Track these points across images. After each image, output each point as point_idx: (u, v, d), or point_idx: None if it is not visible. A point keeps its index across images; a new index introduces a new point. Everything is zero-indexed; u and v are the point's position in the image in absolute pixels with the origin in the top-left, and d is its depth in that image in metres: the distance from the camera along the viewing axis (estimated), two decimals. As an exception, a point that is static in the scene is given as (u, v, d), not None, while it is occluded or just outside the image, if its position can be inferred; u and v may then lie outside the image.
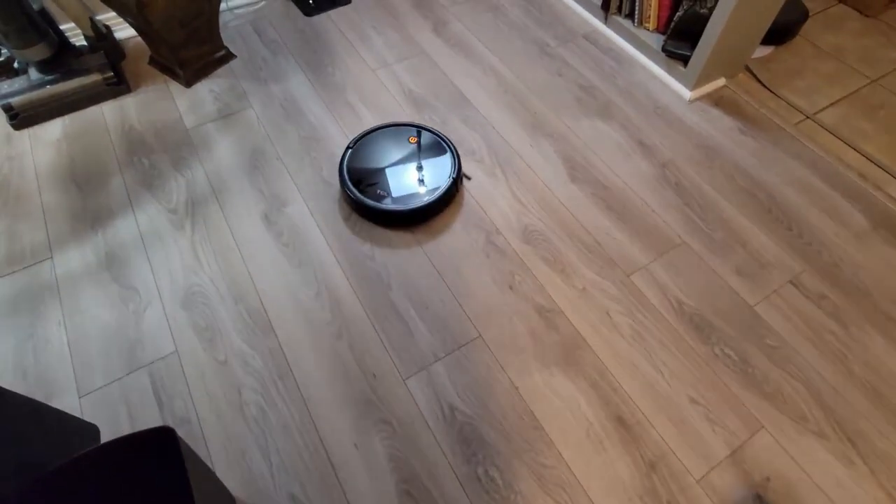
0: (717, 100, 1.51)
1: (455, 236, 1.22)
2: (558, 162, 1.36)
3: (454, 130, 1.42)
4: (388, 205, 1.20)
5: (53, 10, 1.46)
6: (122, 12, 1.33)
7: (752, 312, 1.12)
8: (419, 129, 1.34)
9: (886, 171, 1.36)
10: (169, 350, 1.05)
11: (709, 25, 1.35)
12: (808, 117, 1.48)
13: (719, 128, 1.44)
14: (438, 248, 1.20)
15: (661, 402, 1.01)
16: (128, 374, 1.02)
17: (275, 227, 1.22)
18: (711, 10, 1.34)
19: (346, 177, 1.23)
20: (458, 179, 1.25)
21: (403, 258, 1.18)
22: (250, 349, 1.05)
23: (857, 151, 1.40)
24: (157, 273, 1.15)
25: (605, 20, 1.67)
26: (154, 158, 1.34)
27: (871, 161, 1.38)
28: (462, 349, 1.06)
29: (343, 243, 1.20)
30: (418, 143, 1.32)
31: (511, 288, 1.14)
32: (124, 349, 1.05)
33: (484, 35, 1.67)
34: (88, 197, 1.26)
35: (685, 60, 1.48)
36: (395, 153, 1.30)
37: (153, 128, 1.40)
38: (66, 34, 1.52)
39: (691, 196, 1.30)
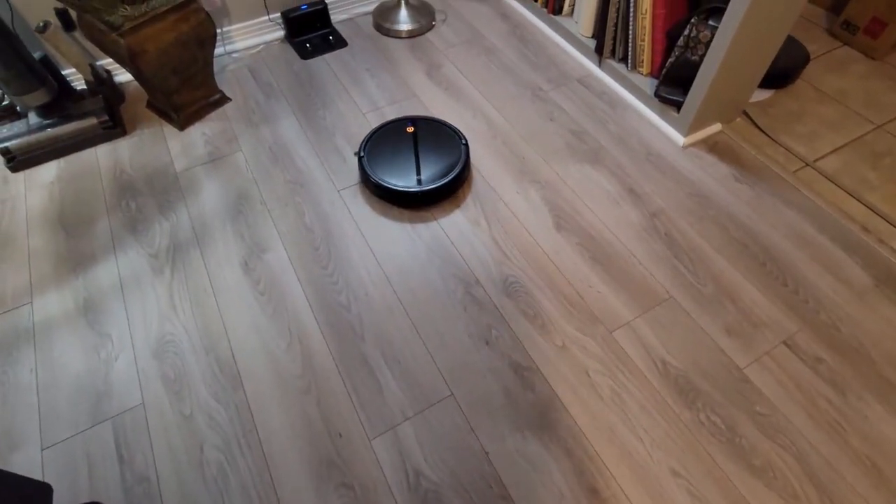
0: (712, 146, 1.47)
1: (432, 286, 1.19)
2: (544, 210, 1.33)
3: (440, 176, 1.40)
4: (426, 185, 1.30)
5: (55, 56, 1.51)
6: (118, 61, 1.37)
7: (742, 376, 1.06)
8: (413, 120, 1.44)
9: (891, 224, 1.29)
10: (135, 402, 1.04)
11: (700, 73, 1.32)
12: (807, 164, 1.42)
13: (714, 175, 1.40)
14: (415, 299, 1.17)
15: (639, 473, 0.95)
16: (92, 427, 1.01)
17: (253, 274, 1.21)
18: (702, 57, 1.32)
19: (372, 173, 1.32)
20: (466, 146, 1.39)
21: (379, 309, 1.16)
22: (217, 403, 1.03)
23: (860, 202, 1.34)
24: (133, 320, 1.15)
25: (600, 64, 1.66)
26: (141, 202, 1.35)
27: (875, 212, 1.32)
28: (432, 408, 1.02)
29: (319, 293, 1.18)
30: (414, 133, 1.42)
31: (487, 343, 1.11)
32: (91, 399, 1.04)
33: (476, 78, 1.67)
34: (74, 241, 1.28)
35: (678, 106, 1.45)
36: (405, 144, 1.39)
37: (144, 171, 1.42)
38: (69, 78, 1.57)
39: (681, 248, 1.25)
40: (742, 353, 1.09)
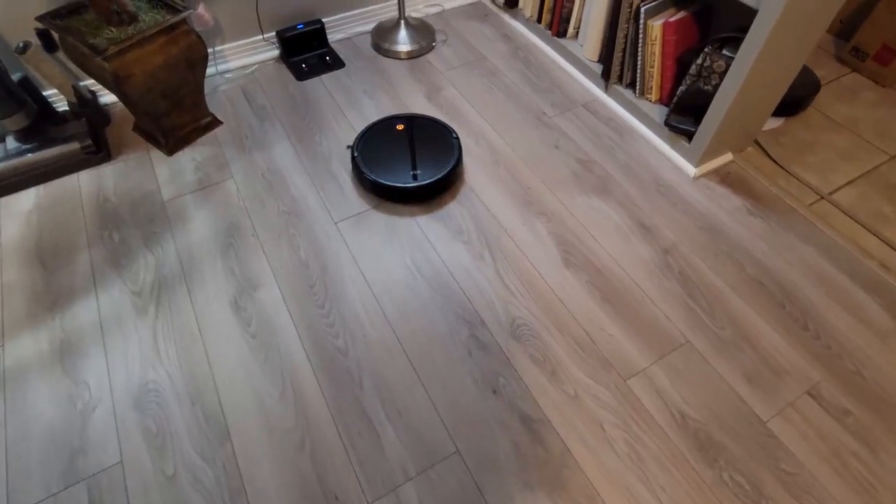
0: (723, 176, 1.42)
1: (435, 327, 1.12)
2: (551, 244, 1.27)
3: (441, 205, 1.34)
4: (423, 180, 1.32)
5: (36, 76, 1.44)
6: (102, 84, 1.29)
7: (765, 429, 0.99)
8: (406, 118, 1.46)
9: (911, 262, 1.25)
10: (113, 460, 0.95)
11: (714, 103, 1.28)
12: (822, 197, 1.38)
13: (726, 208, 1.34)
14: (417, 341, 1.10)
15: (660, 540, 0.88)
16: (65, 489, 0.92)
17: (243, 314, 1.14)
18: (716, 87, 1.27)
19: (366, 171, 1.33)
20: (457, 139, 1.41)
21: (378, 353, 1.08)
22: (202, 461, 0.95)
23: (878, 237, 1.29)
24: (112, 365, 1.06)
25: (606, 89, 1.61)
26: (125, 233, 1.28)
27: (893, 248, 1.27)
28: (436, 467, 0.95)
29: (315, 335, 1.11)
30: (409, 130, 1.43)
31: (495, 392, 1.04)
32: (65, 457, 0.96)
33: (478, 102, 1.62)
34: (52, 275, 1.20)
35: (689, 136, 1.40)
36: (400, 141, 1.41)
37: (129, 199, 1.35)
38: (50, 99, 1.50)
39: (696, 287, 1.19)
40: (764, 403, 1.03)
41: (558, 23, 1.71)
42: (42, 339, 1.10)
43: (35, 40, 1.31)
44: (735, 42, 1.25)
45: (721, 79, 1.25)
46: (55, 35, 1.30)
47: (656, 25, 1.38)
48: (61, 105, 1.53)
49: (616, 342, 1.11)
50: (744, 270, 1.22)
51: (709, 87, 1.29)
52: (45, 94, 1.47)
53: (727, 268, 1.23)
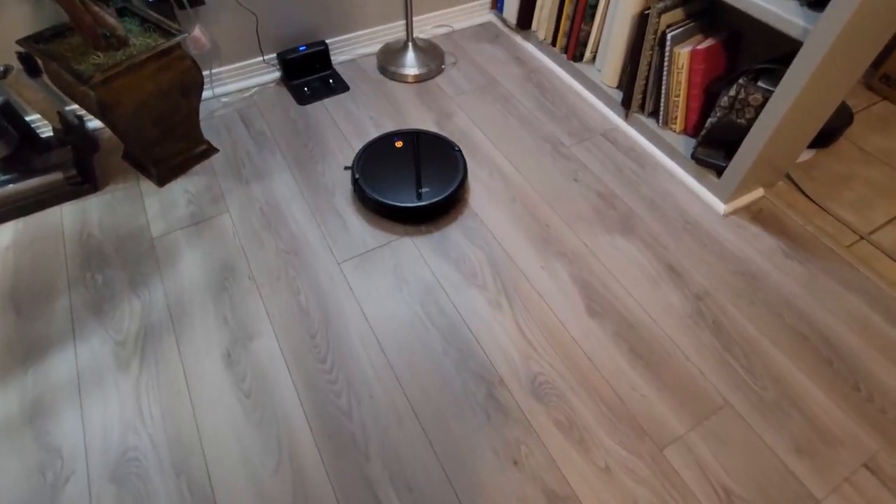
0: (755, 213, 1.32)
1: (449, 386, 1.01)
2: (573, 290, 1.17)
3: (454, 245, 1.24)
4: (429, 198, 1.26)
5: (18, 101, 1.34)
6: (89, 111, 1.20)
7: (820, 510, 0.89)
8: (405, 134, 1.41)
9: (964, 312, 1.15)
10: (85, 544, 0.84)
11: (749, 138, 1.18)
12: (862, 238, 1.28)
13: (760, 249, 1.25)
14: (429, 403, 0.99)
15: None
16: (28, 580, 0.81)
17: (237, 369, 1.03)
18: (750, 121, 1.18)
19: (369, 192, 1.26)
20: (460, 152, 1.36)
21: (386, 416, 0.98)
22: (186, 546, 0.84)
23: (926, 283, 1.20)
24: (89, 429, 0.95)
25: (626, 117, 1.52)
26: (109, 274, 1.17)
27: (944, 296, 1.17)
28: (452, 554, 0.84)
29: (315, 394, 1.00)
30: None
31: (516, 464, 0.93)
32: (31, 540, 0.84)
33: (491, 130, 1.52)
34: (26, 323, 1.09)
35: (718, 170, 1.31)
36: (400, 158, 1.35)
37: (115, 235, 1.24)
38: (34, 124, 1.40)
39: (733, 339, 1.09)
40: (816, 477, 0.92)
41: (574, 46, 1.63)
42: (11, 398, 0.99)
43: (17, 64, 1.22)
44: (771, 73, 1.16)
45: (757, 112, 1.16)
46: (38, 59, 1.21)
47: (683, 53, 1.29)
48: (46, 131, 1.43)
49: (649, 404, 1.00)
50: (783, 320, 1.12)
51: (742, 121, 1.20)
52: (28, 119, 1.37)
53: (765, 317, 1.13)
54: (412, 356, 1.05)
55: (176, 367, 1.03)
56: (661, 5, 1.29)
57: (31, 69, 1.23)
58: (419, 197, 1.25)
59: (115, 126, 1.15)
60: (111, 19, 1.11)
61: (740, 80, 1.17)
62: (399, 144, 1.37)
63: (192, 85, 1.25)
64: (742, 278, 1.19)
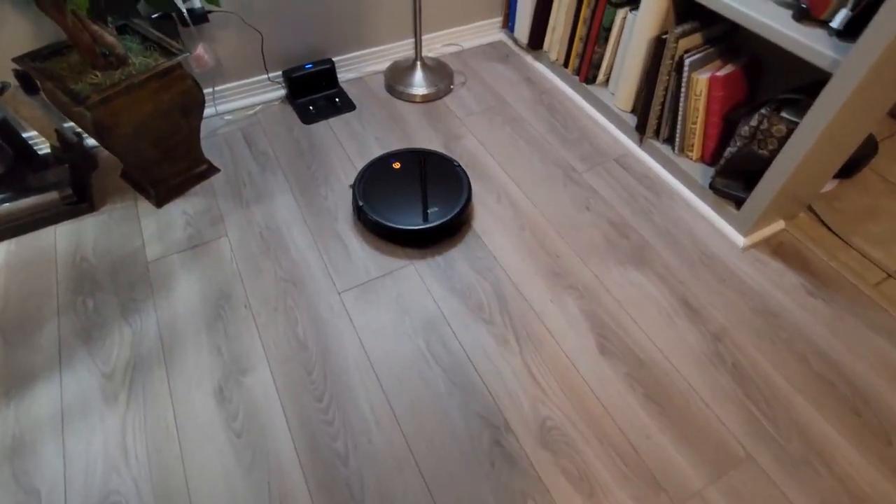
0: (775, 247, 1.26)
1: (452, 430, 0.96)
2: (585, 327, 1.11)
3: (459, 275, 1.19)
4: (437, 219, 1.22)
5: (15, 118, 1.31)
6: (85, 131, 1.16)
7: (852, 580, 0.82)
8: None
9: None
10: None
11: (771, 170, 1.13)
12: (889, 276, 1.22)
13: (782, 286, 1.19)
14: (431, 449, 0.93)
15: None
16: None
17: (228, 407, 0.98)
18: (773, 152, 1.13)
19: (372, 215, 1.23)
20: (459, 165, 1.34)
21: (384, 463, 0.92)
22: None
23: (959, 327, 1.13)
24: (71, 469, 0.90)
25: (640, 143, 1.47)
26: (101, 300, 1.13)
27: (979, 341, 1.11)
28: None
29: (310, 436, 0.95)
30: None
31: (522, 519, 0.87)
32: (2, 592, 0.79)
33: (501, 153, 1.48)
34: (13, 351, 1.04)
35: (737, 202, 1.25)
36: (404, 178, 1.32)
37: (109, 259, 1.20)
38: (31, 141, 1.37)
39: (753, 384, 1.03)
40: (847, 542, 0.85)
41: (587, 68, 1.58)
42: (-8, 432, 0.94)
43: (13, 81, 1.19)
44: (795, 104, 1.11)
45: (780, 144, 1.11)
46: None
47: (702, 79, 1.24)
48: (44, 147, 1.40)
49: (664, 454, 0.94)
50: (808, 364, 1.06)
51: (764, 152, 1.15)
52: (25, 135, 1.34)
53: (789, 361, 1.06)
54: (414, 397, 1.00)
55: (165, 403, 0.98)
56: (678, 30, 1.25)
57: (29, 86, 1.20)
58: (426, 218, 1.21)
59: (112, 147, 1.12)
60: (110, 38, 1.08)
61: (762, 110, 1.12)
62: (397, 166, 1.33)
63: (192, 105, 1.21)
64: (763, 317, 1.13)
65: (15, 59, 1.10)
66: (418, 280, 1.18)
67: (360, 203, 1.23)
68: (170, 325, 1.09)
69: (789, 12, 1.05)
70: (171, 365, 1.03)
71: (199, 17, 1.33)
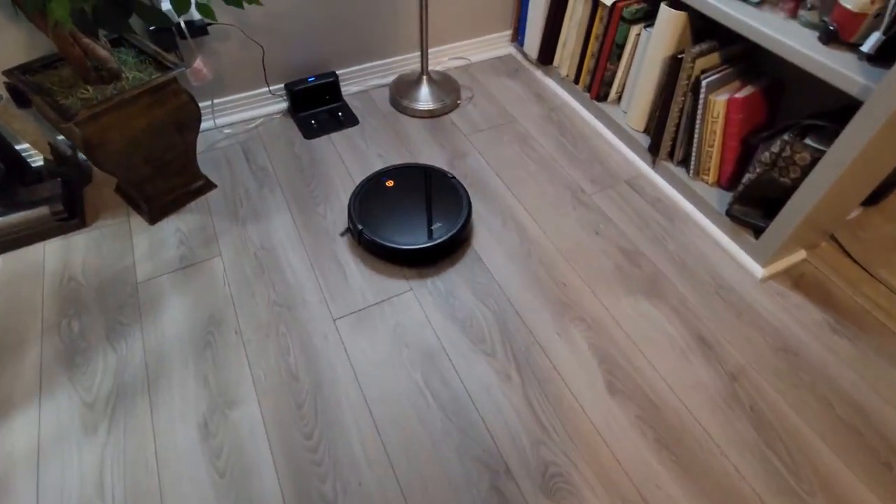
0: (796, 279, 1.20)
1: (448, 474, 0.90)
2: (593, 363, 1.05)
3: (461, 303, 1.13)
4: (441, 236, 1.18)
5: (8, 130, 1.28)
6: (76, 146, 1.12)
7: None
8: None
9: None
10: None
11: (794, 200, 1.06)
12: (919, 312, 1.15)
13: (804, 322, 1.12)
14: (425, 493, 0.87)
15: None
16: None
17: (213, 442, 0.92)
18: (795, 181, 1.06)
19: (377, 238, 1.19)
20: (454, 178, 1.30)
21: (375, 507, 0.86)
22: None
23: None
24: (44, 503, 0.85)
25: (653, 164, 1.41)
26: (87, 322, 1.08)
27: None
28: None
29: (298, 476, 0.89)
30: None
31: (521, 576, 0.80)
32: None
33: (507, 173, 1.42)
34: (-8, 375, 1.00)
35: (756, 230, 1.19)
36: (399, 195, 1.27)
37: (97, 279, 1.16)
38: (25, 153, 1.33)
39: (773, 429, 0.96)
40: None
41: (599, 86, 1.53)
42: (-36, 464, 0.90)
43: (5, 94, 1.15)
44: (820, 131, 1.05)
45: (803, 172, 1.04)
46: (28, 89, 1.14)
47: (719, 101, 1.18)
48: (38, 160, 1.36)
49: (676, 507, 0.87)
50: (833, 410, 0.99)
51: (786, 180, 1.08)
52: (18, 147, 1.31)
53: (811, 405, 0.99)
54: (409, 436, 0.94)
55: (146, 436, 0.93)
56: (695, 50, 1.19)
57: (21, 99, 1.16)
58: (429, 235, 1.17)
59: (102, 165, 1.07)
60: (102, 51, 1.04)
61: (785, 136, 1.06)
62: (390, 184, 1.29)
63: (188, 121, 1.17)
64: (783, 356, 1.06)
65: (5, 72, 1.06)
66: (417, 307, 1.12)
67: (359, 226, 1.18)
68: (156, 351, 1.04)
69: (815, 34, 0.99)
70: (156, 395, 0.98)
71: (199, 29, 1.29)
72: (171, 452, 0.91)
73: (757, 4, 1.07)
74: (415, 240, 1.17)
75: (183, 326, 1.08)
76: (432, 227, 1.18)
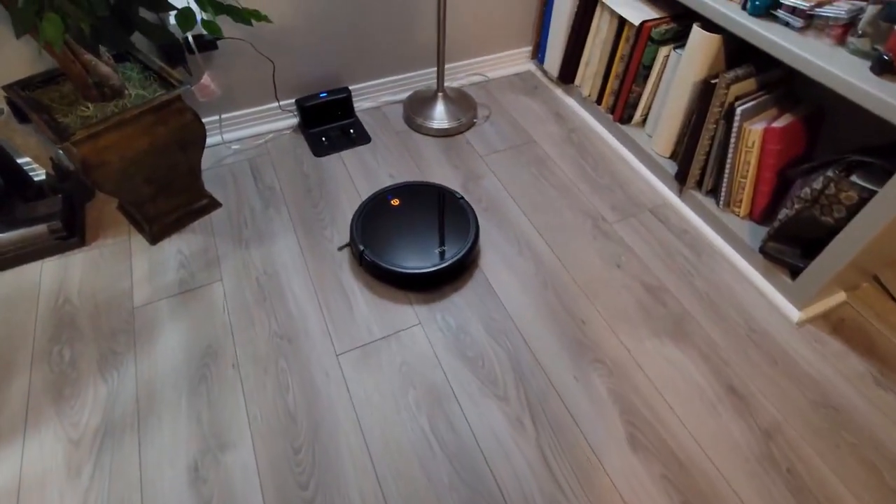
0: (836, 324, 1.11)
1: (455, 534, 0.82)
2: (614, 412, 0.97)
3: (472, 340, 1.06)
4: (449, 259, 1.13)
5: (9, 143, 1.24)
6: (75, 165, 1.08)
7: None
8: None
9: None
10: None
11: (838, 241, 0.98)
12: (973, 366, 1.05)
13: (845, 373, 1.03)
14: (428, 556, 0.80)
15: None
16: None
17: (202, 490, 0.86)
18: (840, 221, 0.98)
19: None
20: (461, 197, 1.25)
21: (374, 570, 0.79)
22: None
23: None
24: (20, 556, 0.80)
25: (680, 193, 1.33)
26: (79, 350, 1.03)
27: None
28: None
29: (291, 530, 0.82)
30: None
31: None
32: None
33: (524, 198, 1.35)
34: (-23, 405, 0.95)
35: (793, 270, 1.10)
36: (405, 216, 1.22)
37: (93, 301, 1.11)
38: (26, 167, 1.30)
39: (813, 497, 0.87)
40: None
41: (622, 107, 1.45)
42: (-60, 504, 0.84)
43: (6, 107, 1.11)
44: (868, 168, 0.96)
45: (849, 213, 0.96)
46: (29, 104, 1.10)
47: (755, 130, 1.11)
48: (41, 173, 1.32)
49: (705, 584, 0.79)
50: (880, 477, 0.89)
51: (828, 219, 1.00)
52: (20, 161, 1.27)
53: (855, 470, 0.90)
54: (413, 490, 0.87)
55: (132, 481, 0.87)
56: (730, 75, 1.11)
57: (22, 114, 1.12)
58: (441, 256, 1.12)
59: (101, 185, 1.03)
60: (104, 68, 0.99)
61: (829, 173, 0.97)
62: (395, 202, 1.23)
63: (192, 140, 1.12)
64: (823, 412, 0.97)
65: (4, 87, 1.02)
66: (426, 344, 1.05)
67: (361, 247, 1.12)
68: (149, 384, 0.99)
69: (866, 63, 0.91)
70: (145, 433, 0.92)
71: (207, 44, 1.25)
72: (158, 499, 0.85)
73: (800, 29, 0.99)
74: (419, 263, 1.11)
75: (178, 357, 1.02)
76: (438, 251, 1.13)
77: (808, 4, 0.96)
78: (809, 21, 0.98)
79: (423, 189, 1.27)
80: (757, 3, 1.02)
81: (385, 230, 1.17)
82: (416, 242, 1.15)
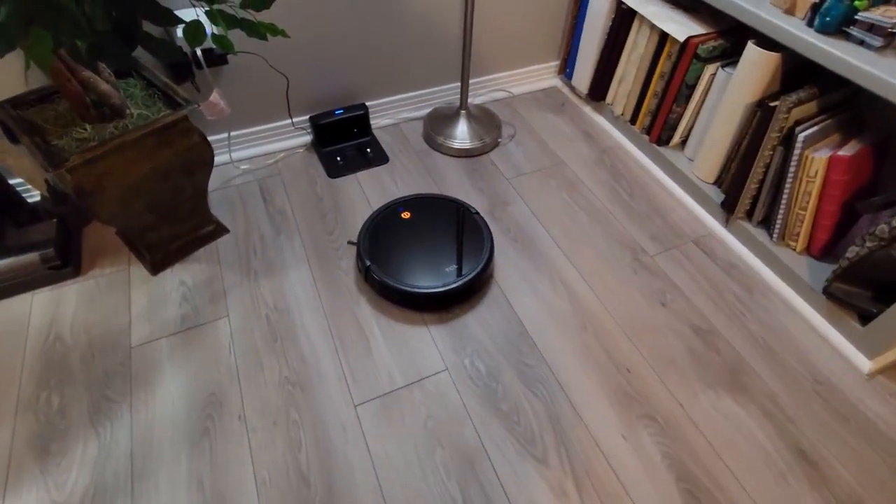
0: (910, 376, 0.99)
1: None
2: (667, 476, 0.85)
3: (506, 391, 0.95)
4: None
5: (1, 166, 1.15)
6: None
7: None
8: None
9: None
10: None
11: (920, 288, 0.87)
12: None
13: (926, 434, 0.91)
14: None
15: None
16: None
17: (203, 567, 0.76)
18: (924, 265, 0.87)
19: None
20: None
21: None
22: None
23: None
24: None
25: (726, 223, 1.22)
26: (69, 397, 0.93)
27: None
28: None
29: None
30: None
31: None
32: None
33: (556, 227, 1.25)
34: (-47, 461, 0.85)
35: (862, 315, 0.99)
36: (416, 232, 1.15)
37: (87, 339, 1.01)
38: (19, 188, 1.20)
39: (905, 588, 0.76)
40: None
41: (661, 129, 1.35)
42: None
43: (-3, 127, 1.02)
44: (959, 204, 0.86)
45: (937, 255, 0.85)
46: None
47: (819, 159, 1.00)
48: (35, 195, 1.23)
49: None
50: (979, 562, 0.78)
51: (909, 261, 0.89)
52: (12, 182, 1.18)
53: (949, 552, 0.79)
54: (442, 572, 0.76)
55: (124, 555, 0.76)
56: (793, 97, 1.01)
57: (13, 134, 1.03)
58: (460, 273, 1.05)
59: (97, 213, 0.93)
60: (104, 85, 0.90)
61: (913, 210, 0.87)
62: (406, 215, 1.16)
63: (198, 163, 1.03)
64: (906, 481, 0.86)
65: (-7, 106, 0.93)
66: (454, 394, 0.95)
67: (367, 263, 1.03)
68: (145, 438, 0.88)
69: (958, 88, 0.81)
70: (139, 498, 0.82)
71: (217, 58, 1.15)
72: (152, 580, 0.74)
73: (879, 49, 0.89)
74: (429, 283, 1.03)
75: (178, 406, 0.92)
76: (451, 268, 1.05)
77: (890, 21, 0.86)
78: (890, 40, 0.88)
79: (436, 202, 1.20)
80: (828, 19, 0.91)
81: (394, 245, 1.10)
82: (425, 258, 1.07)
